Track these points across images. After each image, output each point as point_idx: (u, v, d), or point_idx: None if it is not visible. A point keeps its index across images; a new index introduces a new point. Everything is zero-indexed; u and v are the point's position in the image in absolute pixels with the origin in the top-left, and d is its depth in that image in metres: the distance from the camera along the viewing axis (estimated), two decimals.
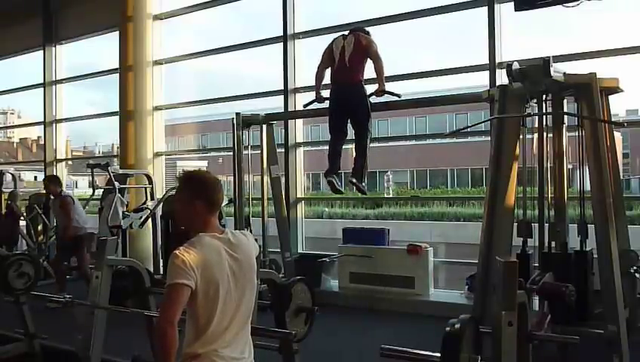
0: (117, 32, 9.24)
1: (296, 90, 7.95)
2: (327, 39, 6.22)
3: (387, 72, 5.86)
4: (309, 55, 7.89)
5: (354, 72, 5.74)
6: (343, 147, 5.98)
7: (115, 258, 4.16)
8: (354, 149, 5.87)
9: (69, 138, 16.01)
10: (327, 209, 21.56)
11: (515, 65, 4.37)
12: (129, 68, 9.06)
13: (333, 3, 17.40)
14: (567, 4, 5.51)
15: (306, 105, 6.54)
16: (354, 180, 5.79)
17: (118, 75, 9.26)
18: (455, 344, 2.35)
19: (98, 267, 3.95)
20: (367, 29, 6.08)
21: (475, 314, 3.78)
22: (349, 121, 5.87)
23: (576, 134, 4.57)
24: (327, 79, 6.05)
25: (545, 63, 4.22)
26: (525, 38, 8.79)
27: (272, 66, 9.57)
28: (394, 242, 7.43)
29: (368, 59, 5.78)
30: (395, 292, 6.67)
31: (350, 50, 5.74)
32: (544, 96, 4.60)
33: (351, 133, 5.95)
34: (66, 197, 7.17)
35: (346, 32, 6.02)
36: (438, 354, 2.41)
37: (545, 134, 4.62)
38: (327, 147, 5.96)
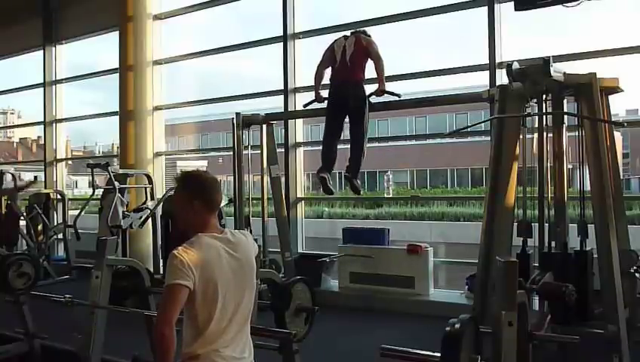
0: (117, 32, 9.22)
1: (296, 90, 7.95)
2: (327, 39, 6.23)
3: (387, 72, 5.87)
4: (309, 55, 7.88)
5: (354, 71, 5.75)
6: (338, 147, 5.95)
7: (115, 258, 4.17)
8: (350, 147, 5.84)
9: (69, 138, 16.01)
10: (327, 209, 21.51)
11: (515, 65, 4.37)
12: (129, 68, 9.04)
13: (333, 3, 17.40)
14: (567, 4, 5.52)
15: (305, 105, 6.55)
16: (348, 175, 5.76)
17: (118, 75, 9.25)
18: (455, 344, 2.35)
19: (98, 267, 3.96)
20: (367, 30, 6.10)
21: (475, 314, 3.78)
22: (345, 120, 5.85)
23: (576, 134, 4.57)
24: (326, 79, 6.06)
25: (545, 63, 4.22)
26: (525, 38, 8.79)
27: (271, 66, 9.56)
28: (394, 242, 7.43)
29: (369, 60, 5.79)
30: (395, 292, 6.67)
31: (351, 50, 5.77)
32: (544, 96, 4.59)
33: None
34: None
35: (348, 33, 6.03)
36: (438, 354, 2.41)
37: (545, 134, 4.61)
38: (322, 146, 5.94)
